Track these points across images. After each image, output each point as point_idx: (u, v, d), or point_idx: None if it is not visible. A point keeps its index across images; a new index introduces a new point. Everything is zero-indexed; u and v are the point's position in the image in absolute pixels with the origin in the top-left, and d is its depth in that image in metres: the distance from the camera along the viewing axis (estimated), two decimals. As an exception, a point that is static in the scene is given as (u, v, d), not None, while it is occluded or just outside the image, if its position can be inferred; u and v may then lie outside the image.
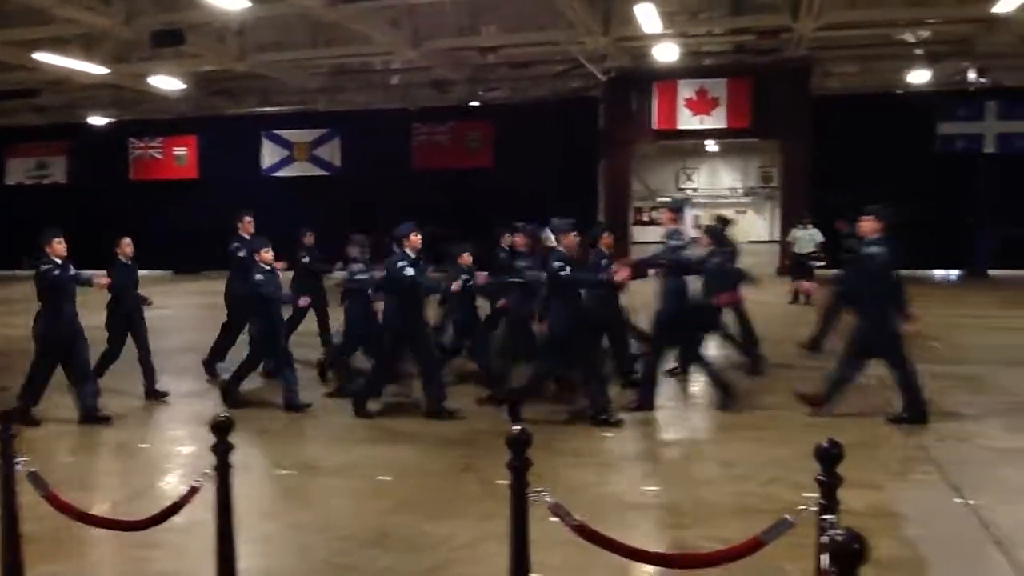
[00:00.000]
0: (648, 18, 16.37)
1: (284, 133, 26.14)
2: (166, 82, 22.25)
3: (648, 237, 43.05)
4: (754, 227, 45.70)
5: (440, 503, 5.93)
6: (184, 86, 23.17)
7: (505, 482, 6.17)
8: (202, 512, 4.46)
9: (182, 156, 27.03)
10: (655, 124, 23.14)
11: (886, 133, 21.48)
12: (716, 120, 22.77)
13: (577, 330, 8.01)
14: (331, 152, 25.71)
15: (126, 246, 9.24)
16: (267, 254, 8.70)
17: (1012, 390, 9.16)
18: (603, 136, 23.96)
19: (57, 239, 8.13)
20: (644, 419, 8.18)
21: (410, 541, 5.28)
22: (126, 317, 9.25)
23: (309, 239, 11.47)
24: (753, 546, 3.04)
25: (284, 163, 26.07)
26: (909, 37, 21.63)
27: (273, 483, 6.51)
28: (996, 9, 16.19)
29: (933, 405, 8.46)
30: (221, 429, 4.04)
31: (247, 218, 10.29)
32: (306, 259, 11.27)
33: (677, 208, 9.91)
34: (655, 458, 7.12)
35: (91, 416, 8.17)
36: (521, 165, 23.20)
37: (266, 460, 7.12)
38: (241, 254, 9.80)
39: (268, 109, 26.77)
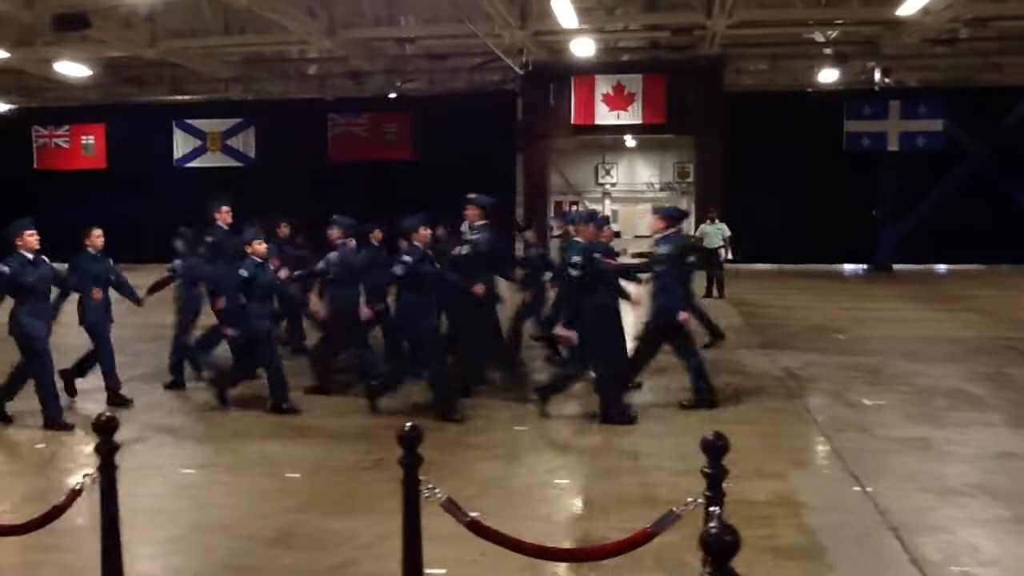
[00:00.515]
0: (564, 13, 16.43)
1: (196, 123, 25.45)
2: (72, 68, 21.43)
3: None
4: (671, 221, 46.31)
5: (347, 500, 5.86)
6: (91, 73, 22.37)
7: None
8: (86, 518, 4.32)
9: (89, 145, 26.10)
10: (573, 118, 23.23)
11: (796, 130, 21.99)
12: (632, 116, 22.99)
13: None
14: (245, 142, 25.14)
15: (96, 237, 8.61)
16: (260, 246, 8.33)
17: (910, 380, 9.48)
18: (521, 129, 23.99)
19: (29, 231, 7.66)
20: (556, 413, 8.22)
21: (314, 539, 5.20)
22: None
23: (284, 230, 11.17)
24: (643, 538, 3.06)
25: (197, 153, 25.39)
26: (818, 37, 22.21)
27: (175, 483, 6.32)
28: (900, 12, 16.72)
29: (838, 397, 8.73)
30: (105, 429, 3.88)
31: (224, 208, 9.86)
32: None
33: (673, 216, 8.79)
34: (566, 451, 7.14)
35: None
36: (439, 158, 23.05)
37: (169, 459, 6.92)
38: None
39: (180, 98, 26.02)
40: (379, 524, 5.36)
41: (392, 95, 25.04)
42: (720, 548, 2.04)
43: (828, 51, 22.55)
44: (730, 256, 17.34)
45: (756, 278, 20.83)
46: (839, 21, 20.72)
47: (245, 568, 4.82)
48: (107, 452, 3.85)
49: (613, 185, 46.74)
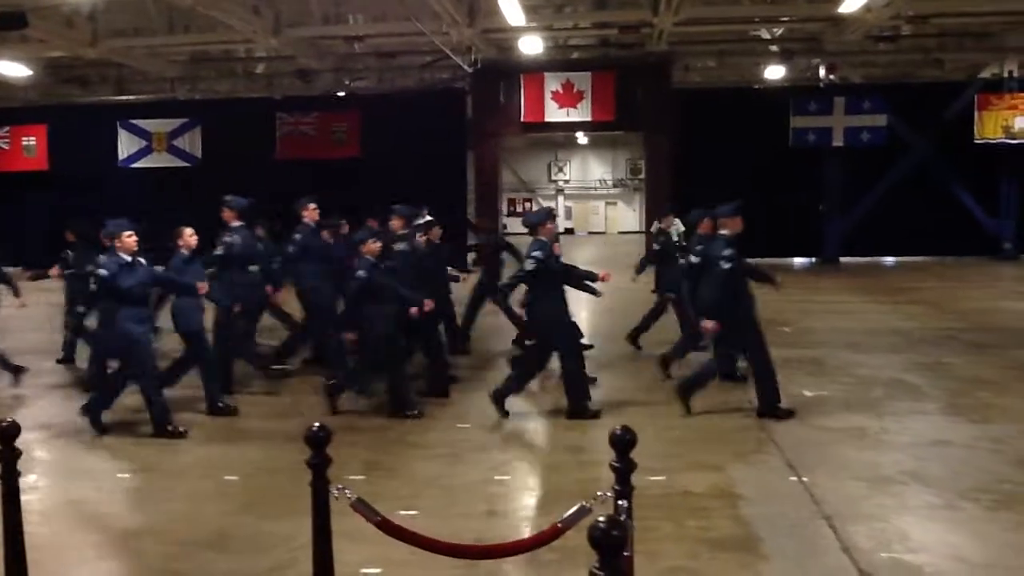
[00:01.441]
0: (512, 11, 16.45)
1: (142, 123, 24.99)
2: (11, 68, 20.98)
3: (524, 228, 43.46)
4: (624, 218, 46.74)
5: (285, 502, 5.77)
6: (31, 73, 21.93)
7: (355, 477, 6.12)
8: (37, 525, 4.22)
9: (31, 147, 25.51)
10: (523, 116, 23.27)
11: (744, 126, 22.20)
12: (582, 113, 23.07)
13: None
14: (191, 142, 24.76)
15: (189, 236, 8.29)
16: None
17: (851, 371, 9.63)
18: (471, 127, 23.96)
19: (127, 232, 7.42)
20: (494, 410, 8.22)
21: (251, 542, 5.14)
22: None
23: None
24: (553, 534, 3.06)
25: (142, 154, 24.93)
26: (764, 34, 22.49)
27: (110, 487, 6.21)
28: (842, 9, 17.00)
29: (780, 389, 8.81)
30: (5, 436, 3.76)
31: (311, 205, 9.96)
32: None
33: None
34: (507, 448, 7.14)
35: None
36: (389, 156, 22.93)
37: (105, 463, 6.81)
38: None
39: (124, 98, 25.61)
40: (316, 525, 5.33)
41: (341, 94, 24.89)
42: (608, 543, 2.03)
43: (774, 48, 22.85)
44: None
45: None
46: (784, 18, 21.02)
47: (178, 572, 4.75)
48: (9, 459, 3.73)
49: (566, 182, 47.04)
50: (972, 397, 8.37)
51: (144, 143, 24.79)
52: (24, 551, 3.98)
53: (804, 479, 6.04)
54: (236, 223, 9.23)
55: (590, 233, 46.25)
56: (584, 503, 3.12)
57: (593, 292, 8.49)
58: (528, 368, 8.24)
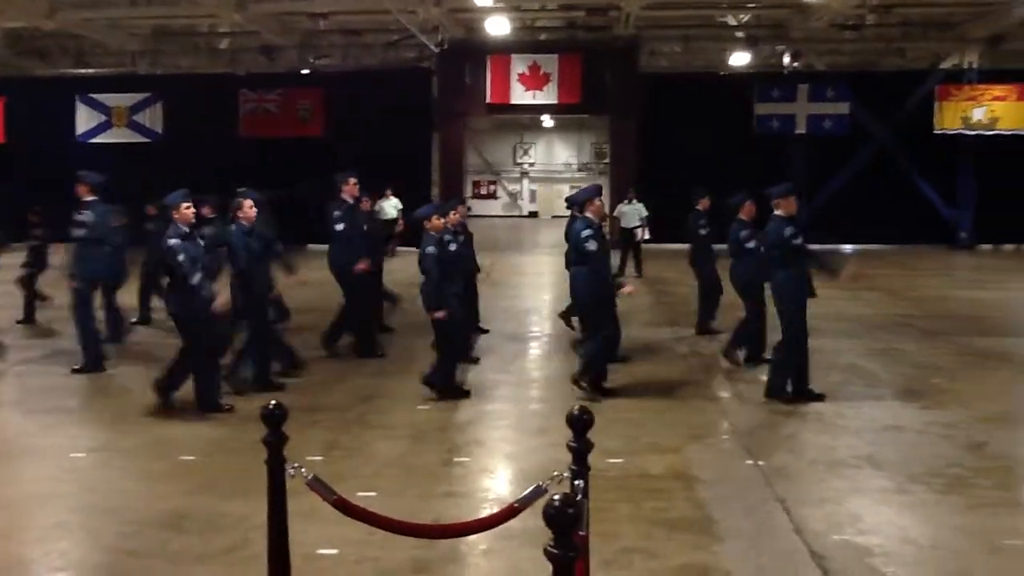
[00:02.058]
0: (479, -10, 16.37)
1: (101, 97, 24.54)
2: (-34, 38, 20.56)
3: (489, 211, 43.45)
4: (589, 202, 46.63)
5: (243, 481, 5.73)
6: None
7: (313, 458, 6.10)
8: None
9: (-13, 119, 25.04)
10: (489, 98, 23.17)
11: (709, 112, 22.30)
12: (548, 96, 23.03)
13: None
14: (152, 118, 24.37)
15: (249, 208, 8.09)
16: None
17: (809, 356, 9.71)
18: (437, 109, 23.84)
19: (185, 203, 7.29)
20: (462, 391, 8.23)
21: (207, 522, 5.10)
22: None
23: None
24: (509, 513, 3.07)
25: (101, 128, 24.51)
26: (730, 20, 22.58)
27: (64, 467, 6.12)
28: (806, -4, 17.12)
29: (738, 374, 8.92)
30: None
31: (352, 180, 9.63)
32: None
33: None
34: (468, 429, 7.15)
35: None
36: (354, 135, 22.76)
37: (60, 443, 6.70)
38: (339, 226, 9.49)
39: (84, 71, 25.17)
40: (274, 505, 5.31)
41: (305, 71, 24.62)
42: (562, 521, 2.05)
43: (740, 34, 22.97)
44: (647, 236, 17.55)
45: (670, 257, 21.10)
46: (751, 4, 21.14)
47: (133, 552, 4.71)
48: None
49: (531, 165, 46.91)
50: (925, 383, 8.51)
51: (104, 118, 24.37)
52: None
53: (760, 462, 6.13)
54: (90, 198, 9.05)
55: (554, 217, 46.22)
56: (540, 483, 3.13)
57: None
58: (607, 343, 8.05)
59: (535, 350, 10.42)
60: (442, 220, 7.99)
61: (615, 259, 17.22)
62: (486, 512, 5.24)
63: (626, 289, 8.25)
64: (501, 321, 11.83)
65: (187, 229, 7.27)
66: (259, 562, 4.54)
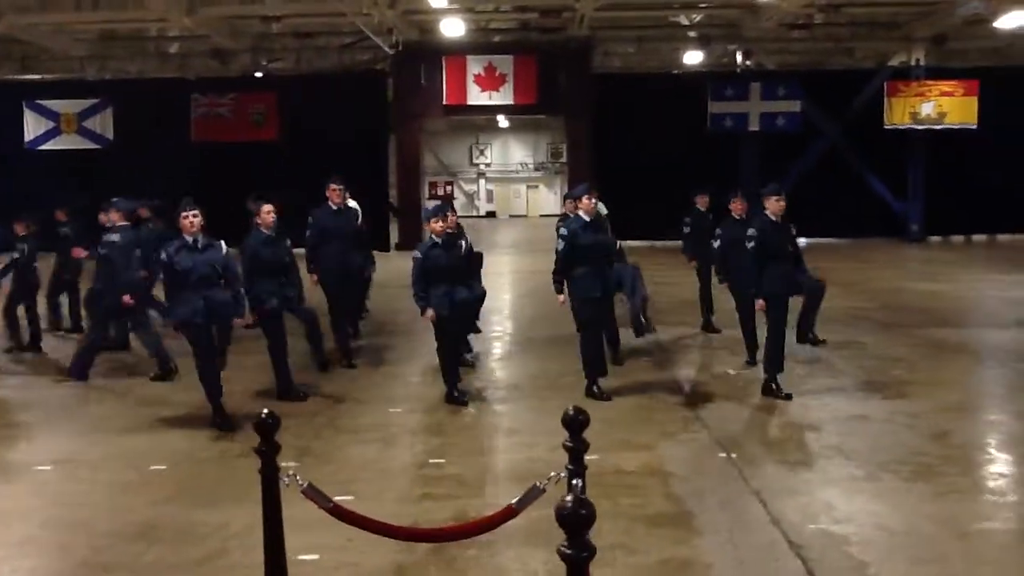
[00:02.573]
0: (433, -8, 16.33)
1: (49, 103, 24.03)
2: (-95, 44, 20.02)
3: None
4: (546, 201, 46.94)
5: (215, 490, 5.68)
6: (-72, 49, 20.96)
7: (289, 464, 6.03)
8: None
9: (-69, 126, 24.38)
10: (445, 99, 23.16)
11: (663, 111, 22.47)
12: (504, 96, 23.08)
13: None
14: (102, 124, 23.92)
15: (267, 214, 7.96)
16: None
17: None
18: (393, 110, 23.75)
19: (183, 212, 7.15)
20: (428, 394, 8.20)
21: (180, 532, 5.02)
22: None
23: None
24: (507, 515, 3.07)
25: (50, 135, 23.99)
26: (683, 20, 22.78)
27: (28, 481, 5.99)
28: (758, -4, 17.34)
29: (704, 369, 9.00)
30: None
31: (335, 186, 9.71)
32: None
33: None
34: (440, 431, 7.12)
35: None
36: (308, 139, 22.58)
37: (22, 456, 6.56)
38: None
39: (30, 77, 24.64)
40: (248, 513, 5.19)
41: (259, 75, 24.37)
42: (576, 521, 2.05)
43: (692, 34, 23.19)
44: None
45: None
46: (703, 4, 21.35)
47: (106, 566, 4.61)
48: None
49: (488, 165, 46.99)
50: (886, 374, 8.65)
51: (52, 124, 23.85)
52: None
53: (732, 455, 6.19)
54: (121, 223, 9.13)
55: (511, 216, 46.34)
56: (537, 483, 3.13)
57: None
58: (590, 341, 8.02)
59: (497, 349, 10.41)
60: (440, 224, 7.74)
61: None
62: (468, 514, 5.23)
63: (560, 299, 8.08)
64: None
65: (190, 239, 7.14)
66: (236, 571, 4.52)
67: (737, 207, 9.82)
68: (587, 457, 5.93)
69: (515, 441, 6.76)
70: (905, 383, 8.30)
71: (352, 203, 10.04)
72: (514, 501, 3.12)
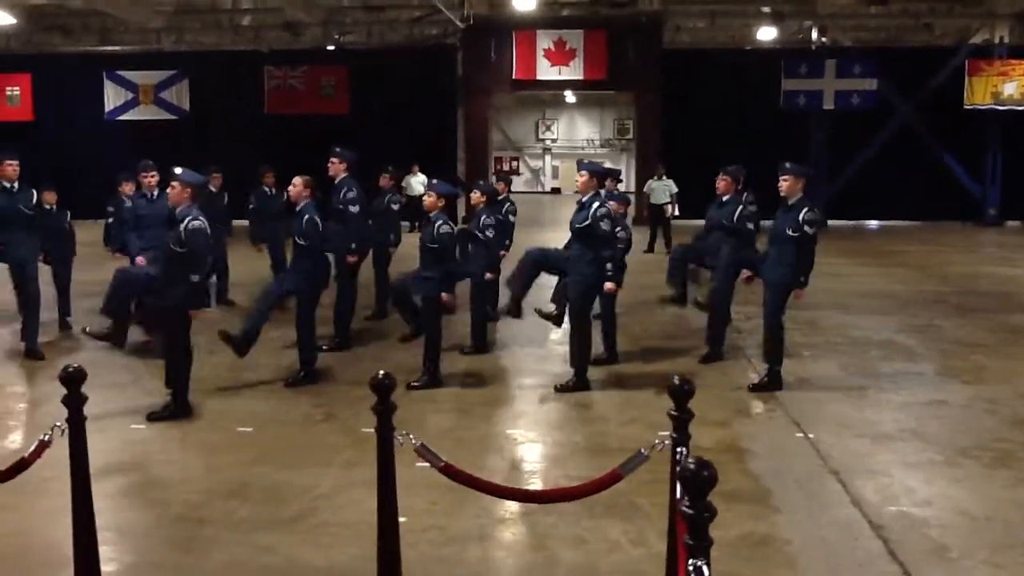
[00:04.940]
0: (507, -34, 16.31)
1: (128, 74, 24.66)
2: (-7, 15, 20.64)
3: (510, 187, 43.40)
4: (610, 178, 46.63)
5: (300, 453, 5.88)
6: (14, 20, 21.56)
7: (368, 430, 6.19)
8: (49, 470, 4.27)
9: (14, 96, 25.13)
10: (514, 74, 23.16)
11: (734, 88, 22.23)
12: (573, 71, 23.01)
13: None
14: (179, 95, 24.49)
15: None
16: None
17: (844, 332, 9.78)
18: (462, 85, 23.82)
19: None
20: (501, 367, 8.32)
21: (270, 491, 5.21)
22: None
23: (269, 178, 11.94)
24: (612, 479, 3.16)
25: (128, 106, 24.63)
26: (757, -4, 22.44)
27: (125, 438, 6.25)
28: (836, -29, 16.98)
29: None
30: (72, 380, 3.80)
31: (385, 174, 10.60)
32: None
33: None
34: (514, 403, 7.24)
35: None
36: (378, 112, 22.83)
37: (118, 414, 6.83)
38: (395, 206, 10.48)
39: (110, 48, 25.25)
40: (336, 476, 5.42)
41: (330, 47, 24.62)
42: (699, 483, 2.15)
43: (765, 9, 22.79)
44: (676, 212, 17.57)
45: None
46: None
47: (202, 520, 4.82)
48: (74, 405, 3.76)
49: (554, 141, 46.84)
50: (965, 359, 8.54)
51: (131, 95, 24.51)
52: (89, 489, 3.99)
53: (809, 435, 6.19)
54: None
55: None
56: (642, 450, 3.23)
57: None
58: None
59: (555, 333, 10.45)
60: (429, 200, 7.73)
61: (645, 235, 17.30)
62: (548, 482, 5.35)
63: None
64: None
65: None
66: (327, 529, 4.69)
67: (722, 186, 8.71)
68: (662, 433, 6.07)
69: (588, 415, 6.86)
70: (984, 368, 8.19)
71: (421, 176, 10.19)
72: (619, 466, 3.20)
